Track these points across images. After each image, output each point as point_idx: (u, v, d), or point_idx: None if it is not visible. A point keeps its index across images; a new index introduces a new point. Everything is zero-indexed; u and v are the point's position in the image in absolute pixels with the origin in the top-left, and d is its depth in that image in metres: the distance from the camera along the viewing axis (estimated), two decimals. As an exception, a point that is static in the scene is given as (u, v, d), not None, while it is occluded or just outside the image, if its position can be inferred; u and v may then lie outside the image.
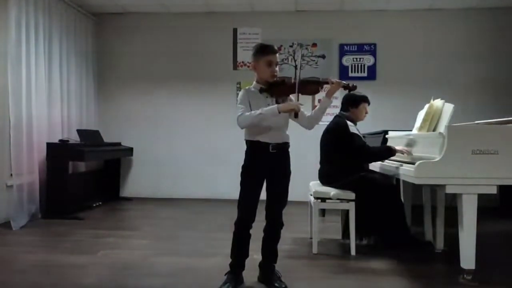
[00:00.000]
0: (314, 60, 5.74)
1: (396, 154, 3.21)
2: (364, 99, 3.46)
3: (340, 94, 4.87)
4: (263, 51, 2.44)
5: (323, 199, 3.24)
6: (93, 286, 2.53)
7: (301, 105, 2.38)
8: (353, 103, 3.44)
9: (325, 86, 2.53)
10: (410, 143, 3.30)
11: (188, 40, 6.05)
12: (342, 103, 3.51)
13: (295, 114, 2.36)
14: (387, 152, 3.25)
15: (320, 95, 2.54)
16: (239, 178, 2.47)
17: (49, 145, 4.66)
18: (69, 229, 4.03)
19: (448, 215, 3.18)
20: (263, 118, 2.32)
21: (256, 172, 2.44)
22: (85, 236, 3.77)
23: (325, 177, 3.39)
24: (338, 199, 3.20)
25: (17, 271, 2.83)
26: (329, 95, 2.51)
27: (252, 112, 2.34)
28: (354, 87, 2.62)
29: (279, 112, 2.32)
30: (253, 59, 2.48)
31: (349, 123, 3.32)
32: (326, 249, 3.34)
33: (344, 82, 2.56)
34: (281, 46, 5.69)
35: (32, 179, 4.46)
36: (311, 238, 3.43)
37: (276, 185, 2.47)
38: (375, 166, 3.78)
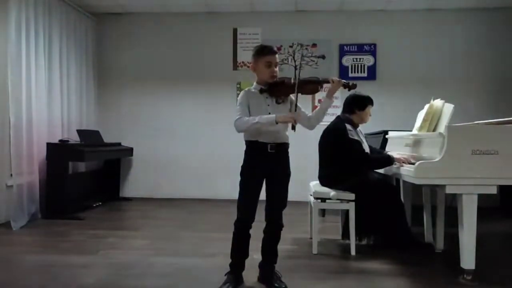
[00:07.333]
0: (314, 61, 5.68)
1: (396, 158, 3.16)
2: (370, 101, 3.38)
3: (340, 94, 4.94)
4: (262, 52, 2.44)
5: (323, 199, 3.24)
6: (93, 286, 2.53)
7: (299, 116, 2.40)
8: (360, 106, 3.35)
9: (325, 85, 2.53)
10: (410, 144, 3.30)
11: (188, 40, 6.06)
12: (347, 104, 3.39)
13: (292, 127, 2.35)
14: (386, 161, 3.17)
15: (321, 94, 2.53)
16: (239, 178, 2.47)
17: (49, 145, 4.66)
18: (69, 229, 4.03)
19: (448, 215, 3.19)
20: (260, 127, 2.34)
21: (255, 172, 2.43)
22: (85, 236, 3.77)
23: (325, 181, 3.37)
24: (338, 199, 3.20)
25: (17, 271, 2.83)
26: (330, 94, 2.48)
27: (250, 118, 2.35)
28: (354, 86, 2.58)
29: (277, 123, 2.32)
30: (252, 60, 2.49)
31: (348, 127, 3.22)
32: (326, 249, 3.34)
33: (344, 80, 2.55)
34: (281, 46, 5.68)
35: (32, 179, 4.46)
36: (311, 238, 3.43)
37: (276, 186, 2.46)
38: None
